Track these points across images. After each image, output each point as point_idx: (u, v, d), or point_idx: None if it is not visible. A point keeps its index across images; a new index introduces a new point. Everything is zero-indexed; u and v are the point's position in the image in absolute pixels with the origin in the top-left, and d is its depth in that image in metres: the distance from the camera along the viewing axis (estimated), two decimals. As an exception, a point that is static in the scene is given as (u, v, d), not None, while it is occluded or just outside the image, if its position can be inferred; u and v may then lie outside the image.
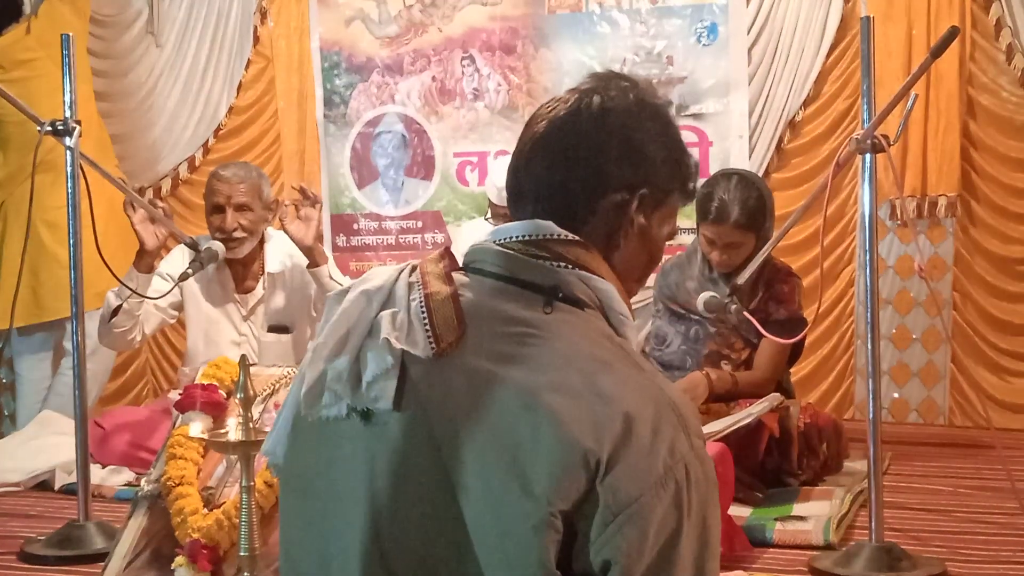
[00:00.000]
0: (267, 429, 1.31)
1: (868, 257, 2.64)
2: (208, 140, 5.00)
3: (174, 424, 2.61)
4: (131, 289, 3.21)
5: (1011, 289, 4.19)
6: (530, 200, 1.24)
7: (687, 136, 4.32)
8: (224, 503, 2.39)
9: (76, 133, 2.86)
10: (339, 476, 1.17)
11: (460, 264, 1.24)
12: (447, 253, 1.24)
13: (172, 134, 4.99)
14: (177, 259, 3.55)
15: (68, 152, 2.88)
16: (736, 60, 4.41)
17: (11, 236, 4.25)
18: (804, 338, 3.31)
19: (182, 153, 5.00)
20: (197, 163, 5.00)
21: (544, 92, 4.54)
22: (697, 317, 3.39)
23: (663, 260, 3.63)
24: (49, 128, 2.83)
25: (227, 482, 2.48)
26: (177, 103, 4.97)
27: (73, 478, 3.05)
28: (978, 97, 4.20)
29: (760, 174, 4.10)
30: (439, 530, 1.09)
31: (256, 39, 4.93)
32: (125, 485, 3.38)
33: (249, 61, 4.94)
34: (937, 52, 2.54)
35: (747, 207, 3.25)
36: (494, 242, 1.22)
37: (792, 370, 3.63)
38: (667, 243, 1.31)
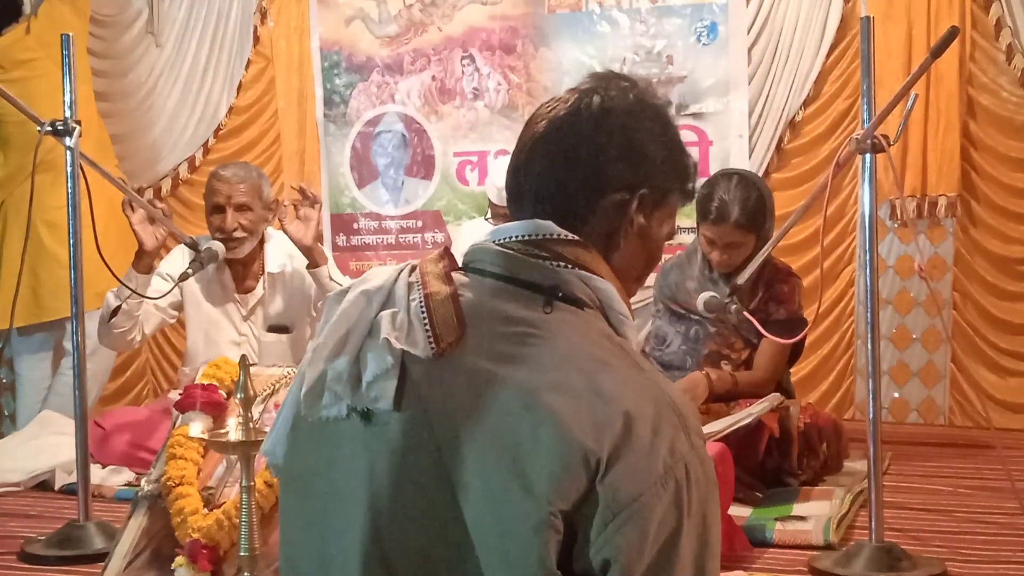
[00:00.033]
0: (267, 429, 1.31)
1: (868, 257, 2.64)
2: (208, 140, 5.00)
3: (174, 424, 2.61)
4: (131, 289, 3.21)
5: (1011, 289, 4.19)
6: (530, 200, 1.24)
7: (687, 135, 4.39)
8: (224, 503, 2.39)
9: (76, 133, 2.86)
10: (339, 476, 1.17)
11: (460, 264, 1.24)
12: (446, 253, 1.24)
13: (172, 134, 4.99)
14: (177, 259, 3.55)
15: (68, 152, 2.88)
16: (736, 59, 4.41)
17: (11, 236, 4.25)
18: (804, 338, 3.31)
19: (182, 153, 5.00)
20: (197, 163, 5.00)
21: (544, 91, 4.54)
22: (697, 317, 3.39)
23: (663, 260, 3.66)
24: (49, 128, 2.83)
25: (227, 482, 2.48)
26: (177, 103, 4.97)
27: (73, 478, 3.05)
28: (978, 97, 4.20)
29: (760, 174, 4.10)
30: (439, 530, 1.09)
31: (256, 39, 4.93)
32: (125, 485, 3.39)
33: (249, 61, 4.94)
34: (937, 52, 2.54)
35: (747, 207, 3.25)
36: (494, 242, 1.22)
37: (792, 370, 3.63)
38: (666, 243, 1.31)
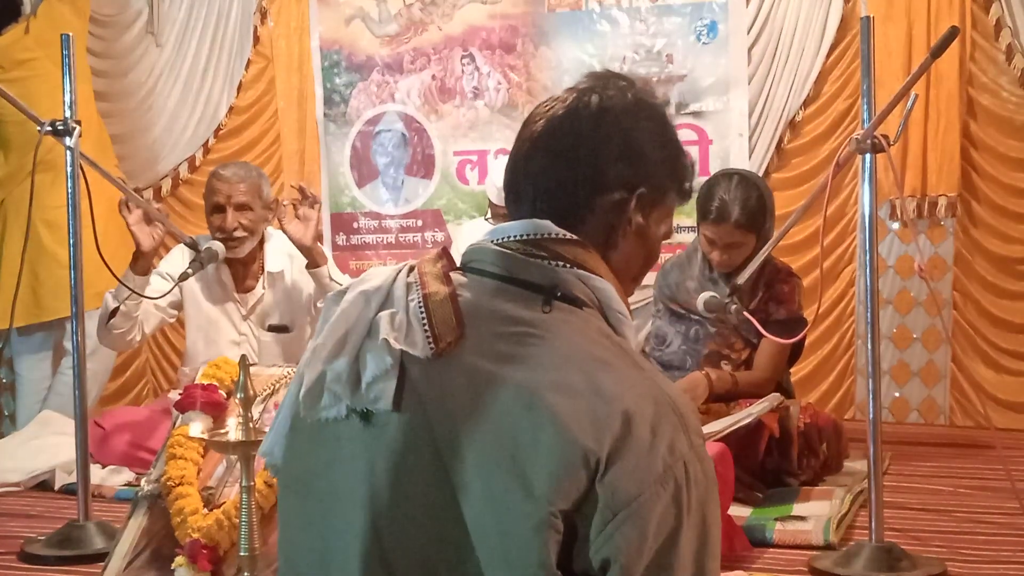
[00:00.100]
0: (267, 429, 1.30)
1: (868, 257, 2.64)
2: (208, 140, 5.00)
3: (174, 424, 2.61)
4: (130, 288, 3.21)
5: (1011, 288, 4.19)
6: (528, 199, 1.24)
7: (687, 134, 4.40)
8: (224, 503, 2.39)
9: (76, 133, 2.86)
10: (339, 477, 1.17)
11: (458, 264, 1.24)
12: (445, 253, 1.24)
13: (172, 134, 4.99)
14: (177, 258, 3.55)
15: (68, 152, 2.88)
16: (736, 58, 4.41)
17: (11, 236, 4.25)
18: (804, 338, 3.31)
19: (182, 153, 4.99)
20: (197, 163, 5.00)
21: (544, 90, 4.54)
22: (697, 317, 3.39)
23: (663, 260, 3.66)
24: (49, 128, 2.83)
25: (227, 482, 2.48)
26: (177, 103, 4.97)
27: (73, 478, 3.05)
28: (978, 97, 4.20)
29: (760, 174, 4.10)
30: (439, 530, 1.09)
31: (256, 39, 4.93)
32: (125, 485, 3.38)
33: (249, 61, 4.94)
34: (937, 52, 2.54)
35: (747, 207, 3.25)
36: (492, 241, 1.22)
37: (792, 370, 3.63)
38: (663, 242, 1.31)
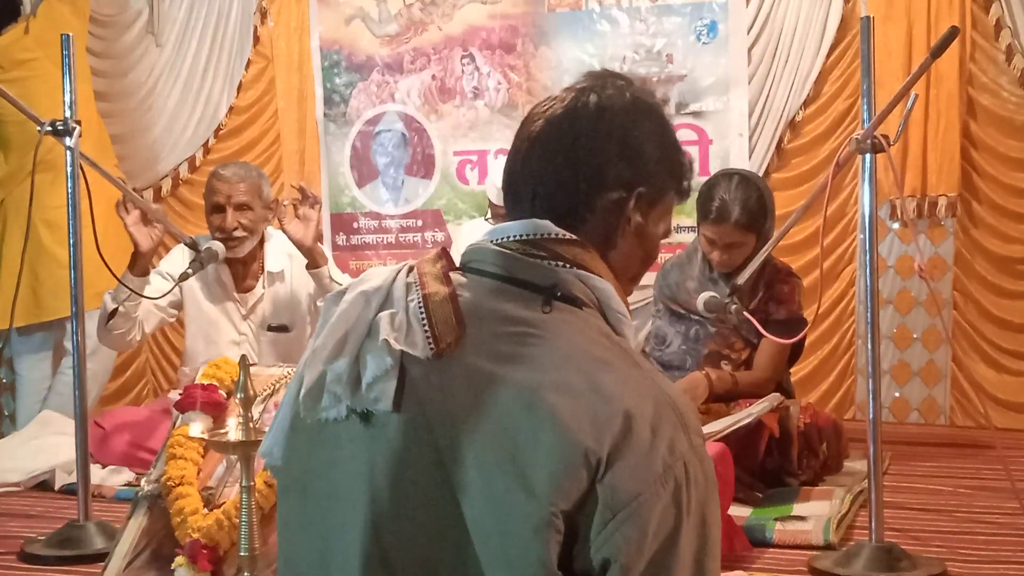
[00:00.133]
0: (267, 429, 1.30)
1: (868, 257, 2.64)
2: (208, 140, 5.00)
3: (174, 424, 2.61)
4: (130, 288, 3.21)
5: (1011, 288, 4.20)
6: (527, 199, 1.23)
7: (687, 134, 4.39)
8: (224, 503, 2.39)
9: (76, 133, 2.86)
10: (339, 478, 1.17)
11: (457, 264, 1.24)
12: (444, 253, 1.24)
13: (172, 134, 4.99)
14: (177, 258, 3.55)
15: (68, 152, 2.88)
16: (736, 58, 4.41)
17: (11, 236, 4.25)
18: (804, 338, 3.32)
19: (182, 153, 4.99)
20: (197, 163, 5.00)
21: (544, 90, 4.53)
22: (697, 317, 3.39)
23: (663, 260, 3.66)
24: (49, 128, 2.83)
25: (227, 482, 2.48)
26: (177, 103, 4.97)
27: (73, 478, 3.05)
28: (978, 97, 4.20)
29: (760, 174, 4.10)
30: (440, 531, 1.09)
31: (256, 39, 4.93)
32: (125, 485, 3.39)
33: (249, 61, 4.94)
34: (937, 52, 2.54)
35: (748, 207, 3.25)
36: (491, 241, 1.22)
37: (792, 370, 3.64)
38: (661, 241, 1.31)
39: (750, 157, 4.39)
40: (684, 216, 4.23)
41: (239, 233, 3.47)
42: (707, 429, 2.89)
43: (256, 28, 4.92)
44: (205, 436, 2.24)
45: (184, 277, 3.29)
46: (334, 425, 1.18)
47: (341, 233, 4.91)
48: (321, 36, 4.87)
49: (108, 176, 3.10)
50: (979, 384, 4.19)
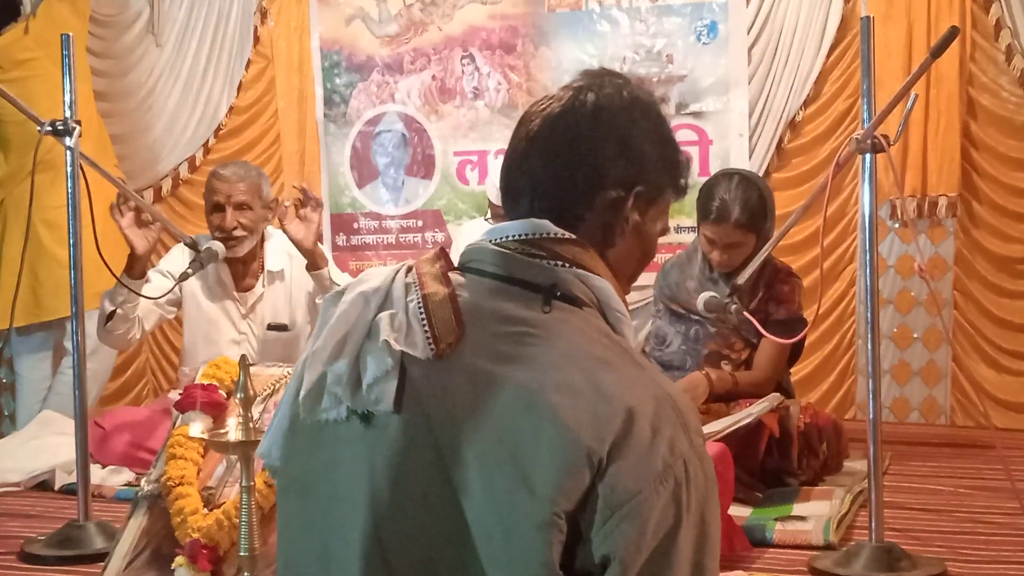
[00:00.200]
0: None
1: (868, 257, 2.64)
2: (208, 140, 5.00)
3: (174, 424, 2.61)
4: (128, 287, 3.21)
5: (1012, 288, 4.19)
6: (526, 198, 1.23)
7: (687, 135, 4.39)
8: (224, 503, 2.39)
9: (76, 133, 2.85)
10: (340, 478, 1.16)
11: (456, 264, 1.24)
12: (442, 253, 1.24)
13: (172, 134, 4.99)
14: (177, 257, 3.54)
15: (68, 152, 2.87)
16: (736, 58, 4.41)
17: (11, 236, 4.25)
18: (804, 338, 3.31)
19: (182, 153, 4.99)
20: (197, 163, 5.00)
21: (544, 91, 4.47)
22: (697, 317, 3.38)
23: (663, 260, 3.66)
24: (49, 128, 2.83)
25: (227, 482, 2.48)
26: (177, 103, 4.97)
27: (73, 478, 3.05)
28: (978, 97, 4.20)
29: (760, 174, 4.10)
30: (441, 531, 1.09)
31: (256, 39, 4.93)
32: (125, 485, 3.38)
33: (249, 61, 4.94)
34: (937, 52, 2.54)
35: (748, 207, 3.25)
36: (490, 241, 1.22)
37: (792, 370, 3.63)
38: (660, 240, 1.31)
39: (750, 157, 4.39)
40: (684, 216, 4.24)
41: (239, 232, 3.47)
42: (707, 429, 2.89)
43: (256, 28, 4.92)
44: (205, 436, 2.23)
45: (184, 277, 3.29)
46: (334, 426, 1.18)
47: (341, 233, 4.91)
48: (321, 36, 4.87)
49: (108, 176, 3.10)
50: (979, 384, 4.19)
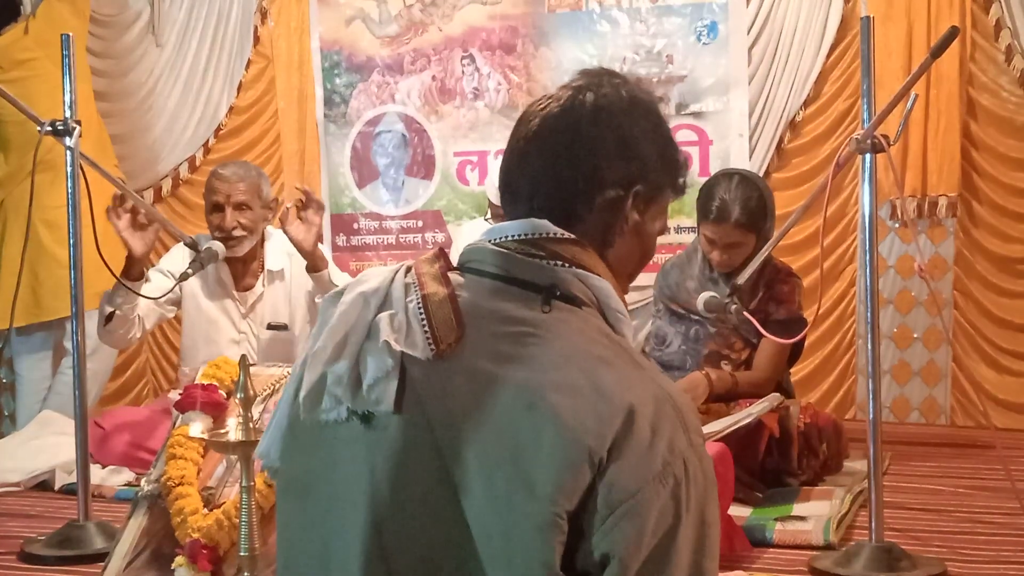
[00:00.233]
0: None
1: (868, 257, 2.64)
2: (208, 140, 4.99)
3: (174, 424, 2.61)
4: (128, 286, 3.21)
5: (1012, 288, 4.19)
6: (525, 198, 1.23)
7: (687, 135, 4.39)
8: (224, 503, 2.39)
9: (76, 133, 2.86)
10: (340, 479, 1.16)
11: (455, 264, 1.24)
12: (441, 254, 1.24)
13: (172, 134, 4.99)
14: (177, 256, 3.54)
15: (68, 152, 2.87)
16: (736, 58, 4.41)
17: (11, 236, 4.25)
18: (804, 338, 3.31)
19: (182, 153, 4.99)
20: (197, 163, 5.00)
21: (544, 91, 4.40)
22: (697, 317, 3.38)
23: (663, 260, 3.66)
24: (49, 128, 2.83)
25: (227, 482, 2.48)
26: (177, 103, 4.96)
27: (73, 478, 3.05)
28: (978, 97, 4.20)
29: (760, 174, 4.10)
30: (441, 531, 1.09)
31: (256, 39, 4.93)
32: (125, 485, 3.38)
33: (249, 61, 4.94)
34: (937, 52, 2.54)
35: (748, 207, 3.25)
36: (490, 241, 1.22)
37: (792, 370, 3.63)
38: (659, 240, 1.31)
39: (750, 157, 4.39)
40: (684, 216, 4.24)
41: (238, 232, 3.47)
42: (707, 429, 2.89)
43: (256, 28, 4.92)
44: (205, 436, 2.24)
45: (184, 277, 3.29)
46: (334, 426, 1.17)
47: (341, 234, 4.91)
48: (321, 36, 4.87)
49: (108, 176, 3.10)
50: (979, 384, 4.19)
